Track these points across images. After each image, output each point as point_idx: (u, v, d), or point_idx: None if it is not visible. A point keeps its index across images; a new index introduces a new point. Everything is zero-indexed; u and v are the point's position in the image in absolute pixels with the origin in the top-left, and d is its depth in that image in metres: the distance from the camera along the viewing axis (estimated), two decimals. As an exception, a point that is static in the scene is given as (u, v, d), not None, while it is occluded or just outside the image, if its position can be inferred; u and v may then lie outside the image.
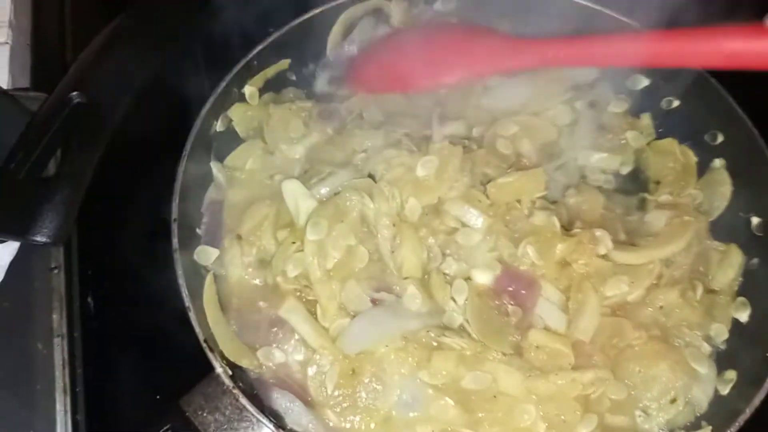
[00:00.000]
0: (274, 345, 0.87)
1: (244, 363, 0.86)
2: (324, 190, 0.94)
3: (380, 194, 0.92)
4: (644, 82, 1.12)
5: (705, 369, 0.91)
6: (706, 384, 0.91)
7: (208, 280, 0.91)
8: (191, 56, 1.09)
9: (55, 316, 0.91)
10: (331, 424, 0.84)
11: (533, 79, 1.09)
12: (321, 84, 1.12)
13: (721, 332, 0.95)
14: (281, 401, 0.85)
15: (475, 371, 0.85)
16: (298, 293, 0.90)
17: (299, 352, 0.87)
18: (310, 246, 0.88)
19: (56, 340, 0.90)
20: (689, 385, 0.90)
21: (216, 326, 0.87)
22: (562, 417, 0.85)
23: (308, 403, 0.85)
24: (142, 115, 0.95)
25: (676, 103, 1.10)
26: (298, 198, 0.93)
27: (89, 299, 1.00)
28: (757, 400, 0.82)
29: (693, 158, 1.08)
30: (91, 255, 1.01)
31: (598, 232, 0.93)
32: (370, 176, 0.96)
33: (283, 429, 0.81)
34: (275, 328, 0.88)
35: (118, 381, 0.96)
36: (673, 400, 0.88)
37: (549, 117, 1.06)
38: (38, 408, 0.86)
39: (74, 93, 0.90)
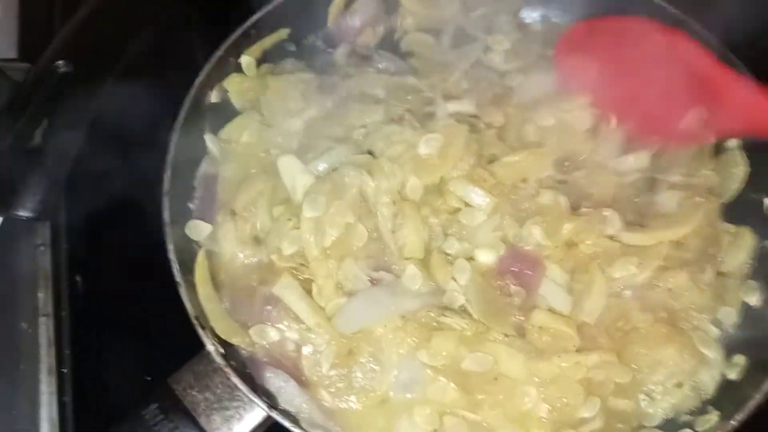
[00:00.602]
0: (268, 323, 0.84)
1: (235, 340, 0.83)
2: (322, 166, 0.90)
3: (380, 171, 0.88)
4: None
5: (712, 353, 0.89)
6: (713, 368, 0.89)
7: (201, 255, 0.88)
8: (186, 23, 1.05)
9: (40, 295, 0.89)
10: (326, 404, 0.82)
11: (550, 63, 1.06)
12: (340, 57, 1.07)
13: (730, 316, 0.92)
14: (274, 380, 0.82)
15: (476, 352, 0.83)
16: (294, 271, 0.86)
17: (294, 331, 0.84)
18: (306, 223, 0.85)
19: (42, 320, 0.87)
20: (696, 370, 0.87)
21: (207, 303, 0.84)
22: (565, 400, 0.83)
23: (302, 382, 0.83)
24: (133, 85, 0.91)
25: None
26: (295, 173, 0.89)
27: (78, 278, 0.97)
28: (767, 386, 0.78)
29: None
30: (80, 232, 0.98)
31: (607, 212, 0.89)
32: (370, 153, 0.92)
33: (276, 409, 0.78)
34: (269, 306, 0.84)
35: (106, 361, 0.93)
36: (679, 385, 0.86)
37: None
38: (22, 389, 0.84)
39: (60, 62, 0.86)
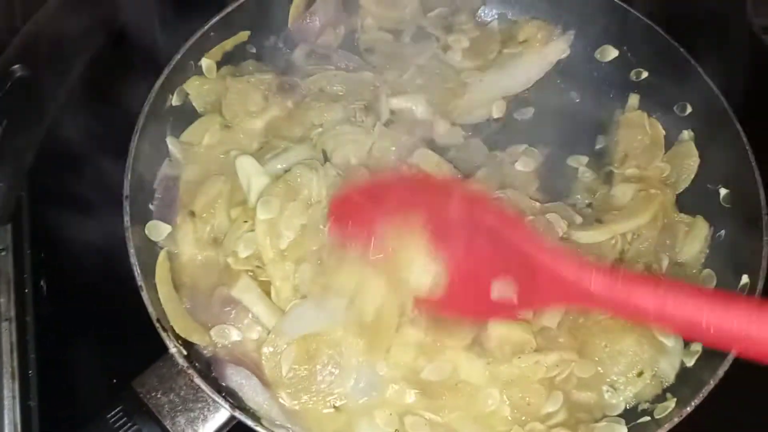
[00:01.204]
0: (229, 324, 0.85)
1: (195, 339, 0.83)
2: (279, 167, 0.91)
3: (323, 174, 0.90)
4: (613, 52, 1.10)
5: (671, 342, 0.90)
6: (673, 356, 0.90)
7: (161, 256, 0.88)
8: (147, 26, 1.05)
9: (2, 300, 0.88)
10: (285, 404, 0.82)
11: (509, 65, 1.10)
12: (299, 57, 1.07)
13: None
14: (236, 377, 0.82)
15: (435, 362, 0.83)
16: (251, 274, 0.87)
17: (254, 332, 0.85)
18: (261, 225, 0.86)
19: (3, 324, 0.87)
20: (656, 358, 0.88)
21: (167, 303, 0.84)
22: (527, 400, 0.84)
23: (264, 381, 0.83)
24: (91, 88, 0.91)
25: (645, 75, 1.09)
26: (251, 175, 0.90)
27: (42, 283, 0.96)
28: (721, 371, 0.80)
29: (661, 131, 1.07)
30: (44, 237, 0.97)
31: (551, 216, 0.91)
32: (324, 152, 0.93)
33: (240, 409, 0.78)
34: (228, 307, 0.85)
35: (72, 366, 0.92)
36: (640, 374, 0.87)
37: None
38: (-16, 394, 0.83)
39: (16, 66, 0.86)
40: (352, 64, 1.06)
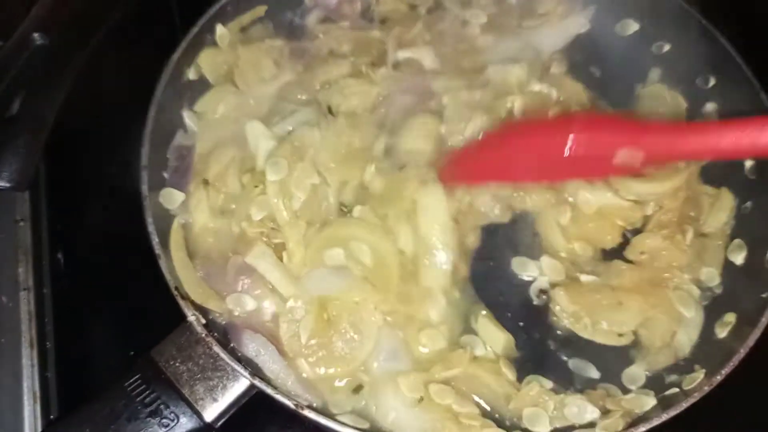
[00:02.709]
0: (243, 292, 0.84)
1: (211, 305, 0.82)
2: (286, 129, 0.91)
3: (326, 129, 0.90)
4: (634, 26, 1.09)
5: (691, 313, 0.89)
6: (691, 328, 0.89)
7: (176, 223, 0.87)
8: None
9: (20, 270, 0.88)
10: (304, 375, 0.81)
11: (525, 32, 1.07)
12: (311, 22, 1.07)
13: (711, 276, 0.93)
14: (252, 345, 0.81)
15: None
16: (265, 239, 0.86)
17: (269, 300, 0.83)
18: (272, 187, 0.85)
19: (22, 294, 0.86)
20: (668, 327, 0.87)
21: (182, 270, 0.83)
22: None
23: (281, 351, 0.82)
24: (110, 59, 0.91)
25: (667, 47, 1.07)
26: (259, 138, 0.89)
27: (59, 255, 0.96)
28: (751, 340, 0.79)
29: (683, 104, 1.05)
30: (61, 207, 0.97)
31: None
32: (329, 109, 0.93)
33: (259, 377, 0.77)
34: (243, 276, 0.83)
35: (89, 336, 0.92)
36: (620, 335, 0.87)
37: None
38: (4, 362, 0.83)
39: (36, 34, 0.86)
40: (361, 24, 1.06)
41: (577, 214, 0.93)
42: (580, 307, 0.87)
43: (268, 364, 0.80)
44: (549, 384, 0.84)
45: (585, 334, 0.87)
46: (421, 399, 0.80)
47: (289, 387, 0.80)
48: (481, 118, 0.91)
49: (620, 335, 0.87)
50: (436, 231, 0.85)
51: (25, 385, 0.82)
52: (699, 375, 0.82)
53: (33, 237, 0.90)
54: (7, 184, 0.78)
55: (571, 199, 0.93)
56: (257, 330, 0.83)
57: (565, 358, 0.88)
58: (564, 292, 0.88)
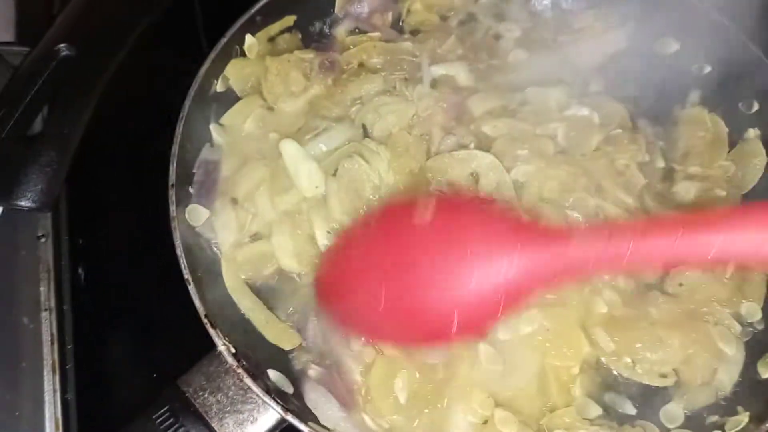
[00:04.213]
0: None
1: (286, 345, 0.82)
2: (322, 148, 0.90)
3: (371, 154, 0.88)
4: (674, 45, 1.05)
5: (732, 350, 0.86)
6: (732, 366, 0.86)
7: (225, 265, 0.86)
8: (190, 9, 1.01)
9: (42, 288, 0.85)
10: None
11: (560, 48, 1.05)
12: (341, 33, 1.05)
13: (753, 311, 0.90)
14: (312, 395, 0.80)
15: None
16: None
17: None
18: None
19: (44, 314, 0.84)
20: (710, 364, 0.85)
21: (252, 312, 0.83)
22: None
23: (346, 403, 0.80)
24: (136, 72, 0.87)
25: (708, 68, 1.04)
26: (297, 160, 0.88)
27: (80, 270, 0.93)
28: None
29: (724, 128, 1.01)
30: (82, 223, 0.94)
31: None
32: (364, 127, 0.92)
33: (290, 411, 0.75)
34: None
35: (111, 358, 0.90)
36: (663, 375, 0.85)
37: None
38: (24, 387, 0.80)
39: (62, 45, 0.82)
40: (392, 36, 1.04)
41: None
42: (619, 345, 0.84)
43: (327, 413, 0.79)
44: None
45: (627, 374, 0.85)
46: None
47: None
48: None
49: (663, 376, 0.84)
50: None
51: (47, 411, 0.79)
52: (743, 418, 0.80)
53: (54, 253, 0.87)
54: (32, 205, 0.75)
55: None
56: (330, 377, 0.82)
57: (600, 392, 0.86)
58: (602, 329, 0.85)
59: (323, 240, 0.85)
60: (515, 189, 0.88)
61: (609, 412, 0.85)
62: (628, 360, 0.84)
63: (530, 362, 0.83)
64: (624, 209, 0.90)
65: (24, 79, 0.80)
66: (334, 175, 0.88)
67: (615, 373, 0.85)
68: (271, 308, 0.86)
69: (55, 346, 0.82)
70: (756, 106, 0.99)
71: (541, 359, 0.83)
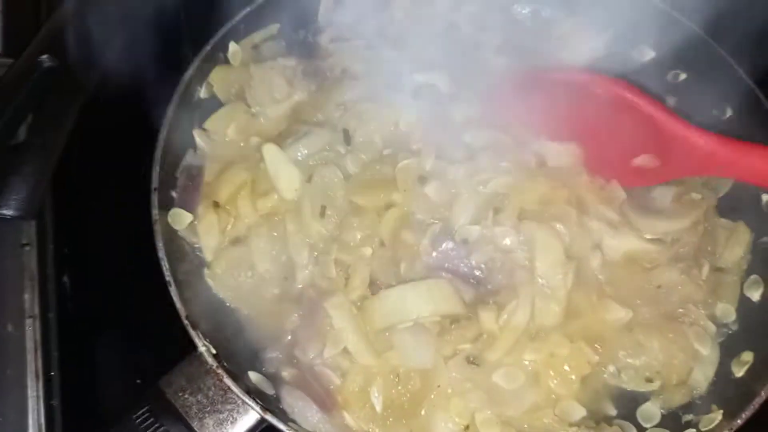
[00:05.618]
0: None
1: None
2: (301, 152, 0.90)
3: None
4: (650, 53, 1.07)
5: (707, 350, 0.88)
6: (707, 365, 0.88)
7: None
8: (174, 18, 1.02)
9: (26, 296, 0.86)
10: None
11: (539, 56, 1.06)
12: (324, 40, 1.06)
13: (727, 312, 0.92)
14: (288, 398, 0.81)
15: None
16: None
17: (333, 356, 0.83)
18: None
19: (28, 322, 0.84)
20: (686, 365, 0.86)
21: None
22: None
23: (324, 406, 0.81)
24: (119, 82, 0.89)
25: (683, 76, 1.06)
26: (279, 164, 0.89)
27: (65, 278, 0.94)
28: (773, 382, 0.78)
29: (698, 135, 1.03)
30: (67, 231, 0.95)
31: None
32: (345, 131, 0.93)
33: (270, 411, 0.75)
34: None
35: (95, 364, 0.91)
36: (649, 380, 0.86)
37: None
38: (8, 394, 0.81)
39: (44, 56, 0.83)
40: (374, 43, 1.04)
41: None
42: (603, 356, 0.85)
43: (305, 415, 0.80)
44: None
45: (614, 382, 0.86)
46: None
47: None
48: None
49: (648, 380, 0.85)
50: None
51: (31, 417, 0.80)
52: (717, 416, 0.81)
53: (39, 261, 0.88)
54: (15, 213, 0.76)
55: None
56: (308, 382, 0.82)
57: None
58: (585, 342, 0.85)
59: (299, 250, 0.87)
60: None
61: (589, 412, 0.86)
62: (613, 368, 0.86)
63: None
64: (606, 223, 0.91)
65: (5, 89, 0.81)
66: (309, 181, 0.89)
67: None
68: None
69: (39, 353, 0.83)
70: (729, 112, 1.01)
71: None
